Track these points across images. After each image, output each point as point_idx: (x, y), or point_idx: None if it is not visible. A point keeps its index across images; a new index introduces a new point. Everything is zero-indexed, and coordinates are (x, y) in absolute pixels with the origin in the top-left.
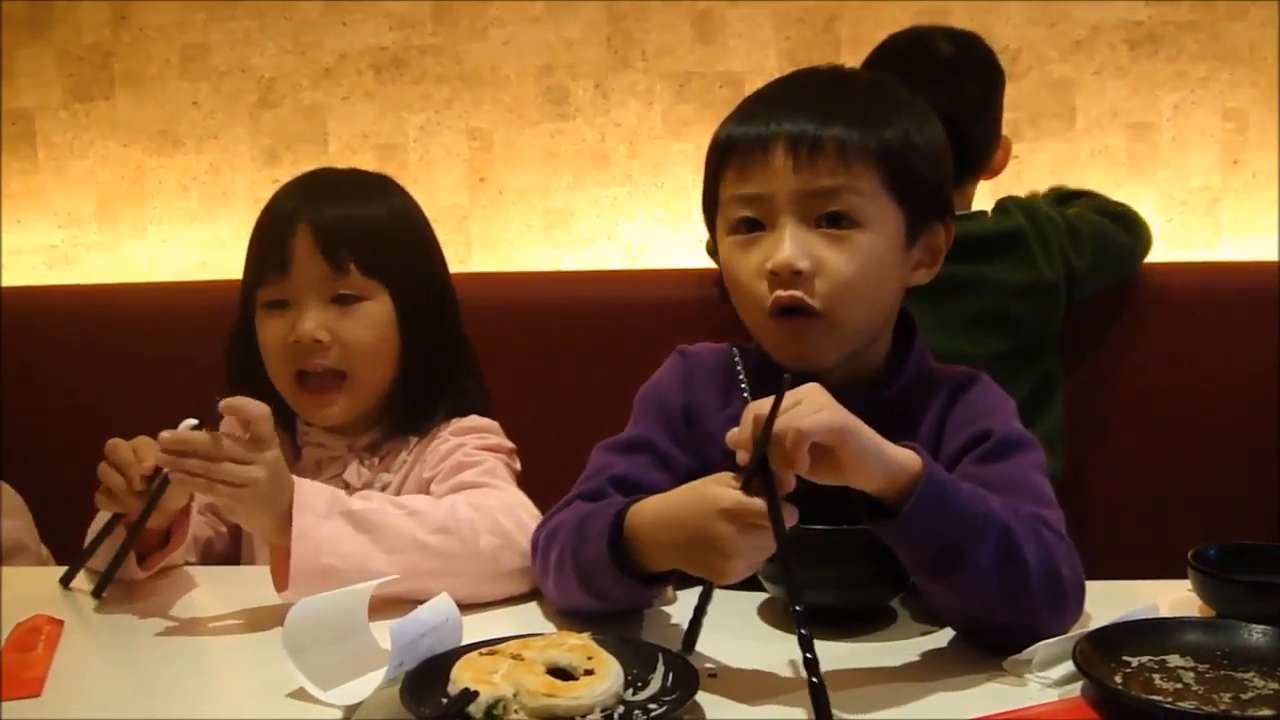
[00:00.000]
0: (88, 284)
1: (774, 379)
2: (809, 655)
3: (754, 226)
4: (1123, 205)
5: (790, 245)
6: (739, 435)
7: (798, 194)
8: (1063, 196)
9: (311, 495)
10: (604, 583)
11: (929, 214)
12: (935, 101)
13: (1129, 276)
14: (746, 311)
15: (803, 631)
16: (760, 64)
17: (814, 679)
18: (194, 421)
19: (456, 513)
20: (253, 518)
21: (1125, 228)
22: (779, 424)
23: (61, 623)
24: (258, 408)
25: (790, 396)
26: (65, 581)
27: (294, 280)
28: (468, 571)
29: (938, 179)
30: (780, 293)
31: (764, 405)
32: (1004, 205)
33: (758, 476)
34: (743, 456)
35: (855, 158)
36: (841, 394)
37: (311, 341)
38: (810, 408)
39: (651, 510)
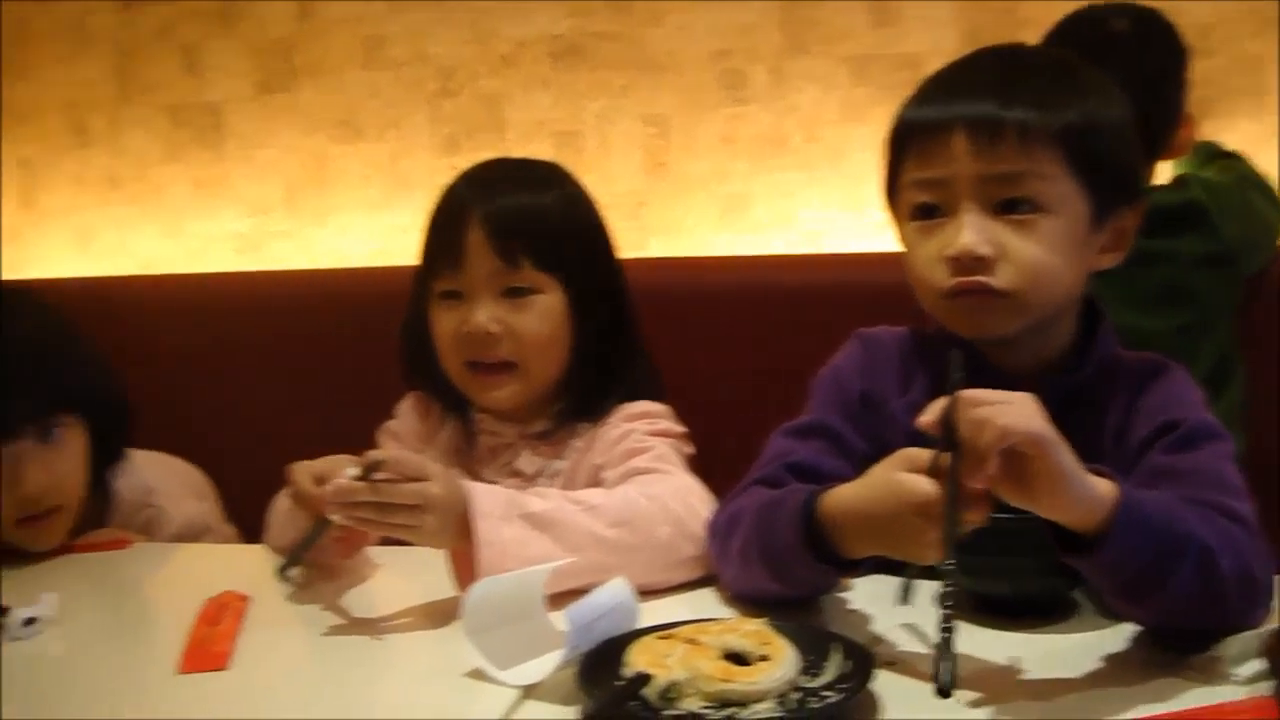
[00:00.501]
0: (274, 270)
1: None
2: (947, 611)
3: (933, 212)
4: (1266, 179)
5: (970, 231)
6: (929, 419)
7: (978, 179)
8: (1211, 154)
9: (488, 500)
10: (797, 570)
11: (1116, 197)
12: (1114, 80)
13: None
14: (925, 295)
15: (947, 597)
16: (939, 45)
17: (945, 632)
18: (355, 471)
19: (632, 504)
20: (432, 540)
21: (1272, 202)
22: (980, 413)
23: (248, 598)
24: (414, 463)
25: (1000, 395)
26: (282, 572)
27: (467, 273)
28: (646, 562)
29: (1126, 160)
30: (961, 279)
31: (974, 395)
32: (1182, 179)
33: (943, 455)
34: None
35: (1037, 140)
36: (1025, 379)
37: (484, 334)
38: (1018, 410)
39: (844, 500)
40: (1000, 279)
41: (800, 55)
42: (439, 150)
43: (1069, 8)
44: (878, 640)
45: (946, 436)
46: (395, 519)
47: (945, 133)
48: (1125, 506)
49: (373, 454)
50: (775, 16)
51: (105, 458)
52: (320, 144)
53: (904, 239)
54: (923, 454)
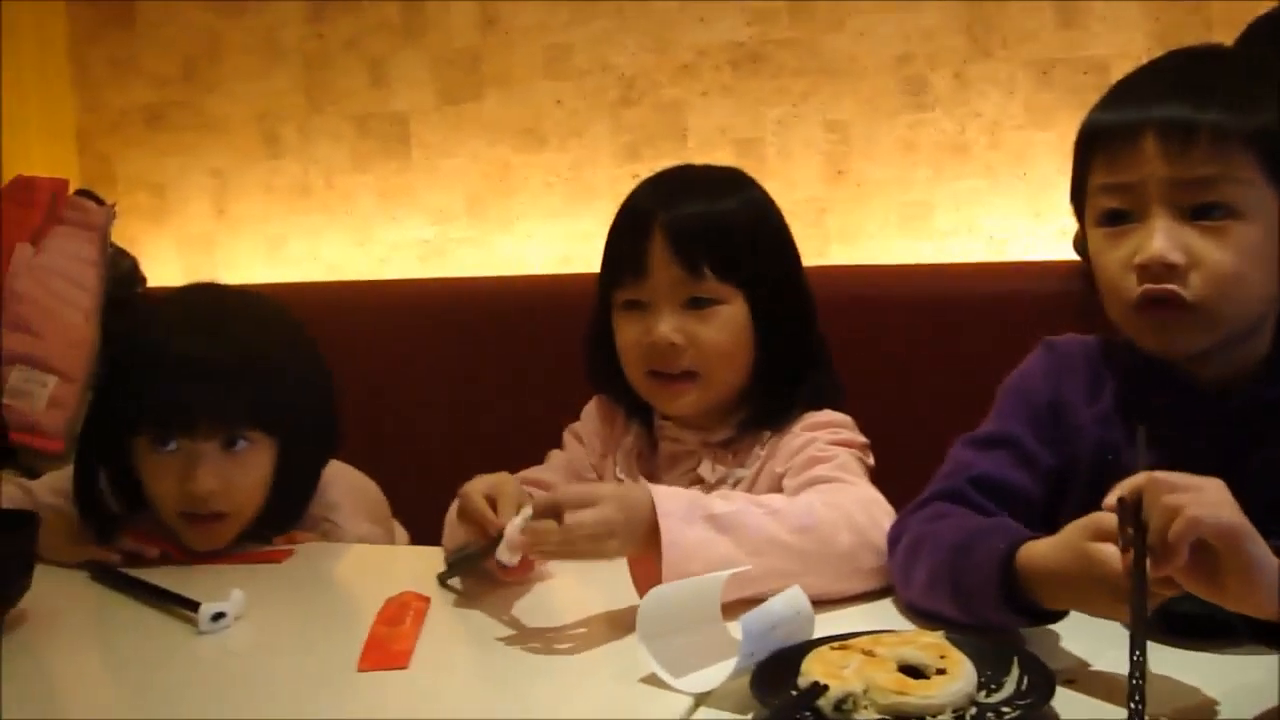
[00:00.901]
0: (458, 276)
1: (1146, 375)
2: (1136, 685)
3: (1122, 218)
4: None
5: (1161, 237)
6: (1114, 499)
7: (1169, 183)
8: None
9: (671, 501)
10: (991, 616)
11: None
12: None
13: None
14: (1112, 305)
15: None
16: (1126, 48)
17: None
18: (529, 512)
19: (815, 511)
20: (624, 550)
21: None
22: (1170, 501)
23: (428, 600)
24: (583, 494)
25: (1191, 481)
26: (442, 580)
27: (650, 283)
28: (826, 570)
29: None
30: (1150, 286)
31: (1165, 480)
32: None
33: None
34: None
35: (1232, 143)
36: (1219, 392)
37: (667, 345)
38: (1209, 498)
39: (1040, 558)
40: (1191, 289)
41: (983, 59)
42: (620, 158)
43: (1261, 7)
44: (1060, 658)
45: (1134, 517)
46: (582, 549)
47: (1135, 136)
48: None
49: (543, 498)
50: (958, 20)
51: (296, 480)
52: (503, 153)
53: (1091, 246)
54: (1111, 520)
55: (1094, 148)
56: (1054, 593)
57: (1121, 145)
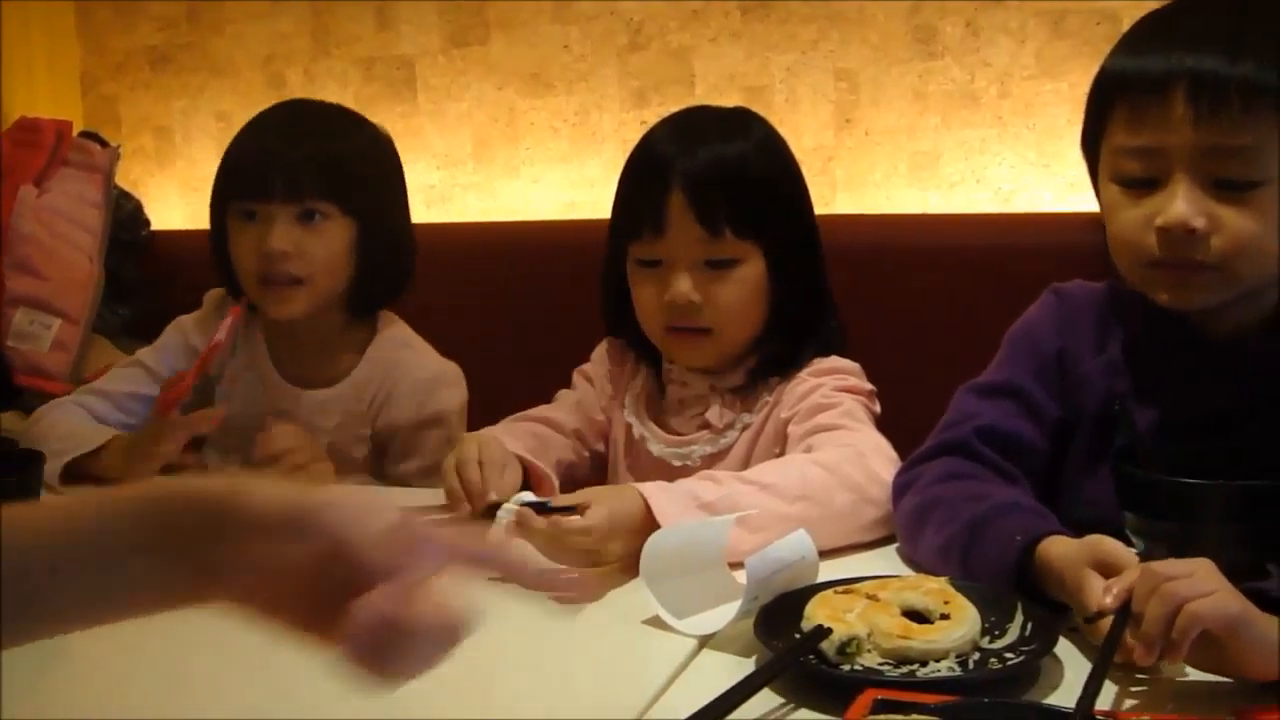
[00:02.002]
0: (464, 222)
1: (1154, 325)
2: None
3: (1144, 184)
4: None
5: (1184, 202)
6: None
7: (1196, 149)
8: None
9: (665, 502)
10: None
11: None
12: None
13: None
14: (1123, 259)
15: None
16: None
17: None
18: (527, 495)
19: (808, 476)
20: (621, 552)
21: None
22: (1167, 589)
23: None
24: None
25: (1179, 565)
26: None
27: (669, 241)
28: (829, 531)
29: None
30: (1169, 253)
31: (1158, 571)
32: None
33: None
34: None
35: (1263, 107)
36: (1226, 346)
37: (686, 303)
38: (1204, 586)
39: (1054, 558)
40: (1211, 253)
41: (995, 8)
42: (627, 104)
43: None
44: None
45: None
46: (574, 558)
47: (1163, 93)
48: None
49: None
50: None
51: (375, 261)
52: (510, 97)
53: (1105, 198)
54: (1119, 555)
55: (1115, 97)
56: (1060, 592)
57: (1148, 101)
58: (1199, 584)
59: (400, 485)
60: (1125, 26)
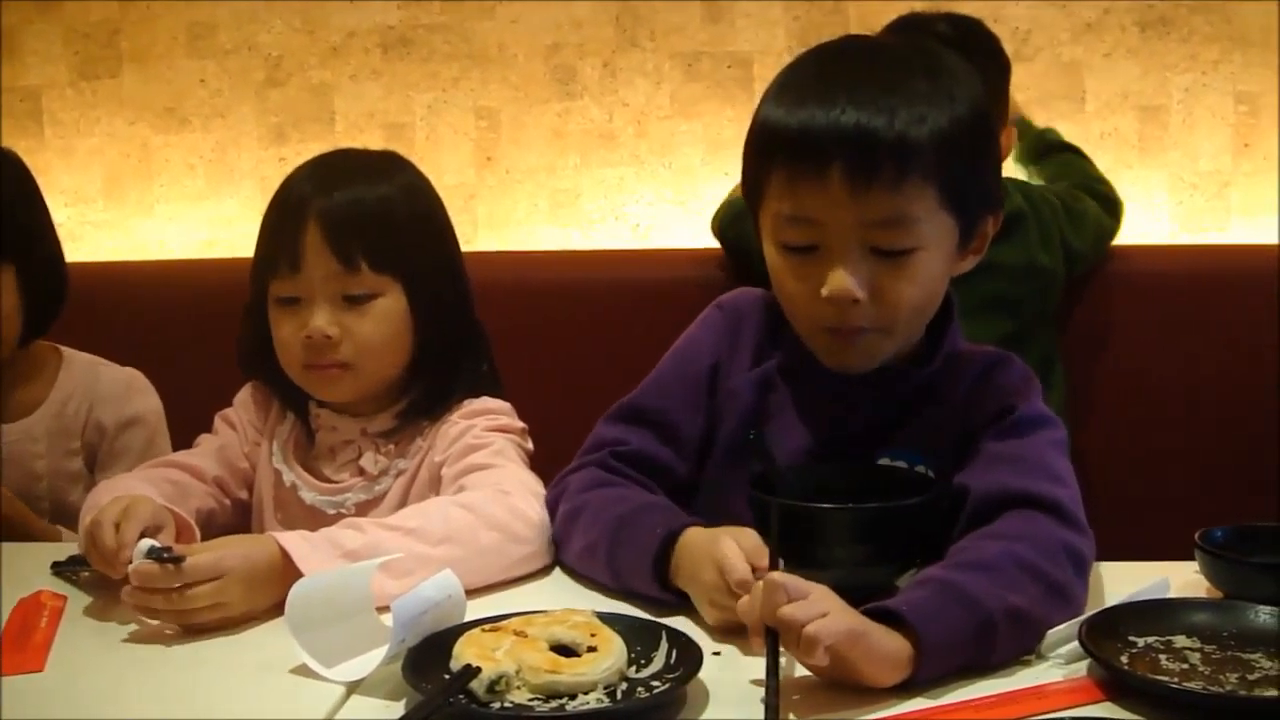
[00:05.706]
0: (94, 261)
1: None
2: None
3: (805, 250)
4: (1105, 183)
5: (845, 274)
6: (748, 610)
7: (855, 224)
8: (1048, 147)
9: (307, 550)
10: (640, 589)
11: (980, 210)
12: None
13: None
14: (801, 327)
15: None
16: (769, 44)
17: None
18: (152, 543)
19: (451, 518)
20: (252, 604)
21: (1110, 211)
22: (789, 611)
23: (65, 599)
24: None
25: (798, 586)
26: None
27: (305, 277)
28: (475, 570)
29: (989, 172)
30: (834, 322)
31: (777, 587)
32: (1004, 186)
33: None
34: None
35: (914, 177)
36: (880, 374)
37: (323, 339)
38: (818, 608)
39: (689, 545)
40: (873, 319)
41: (631, 50)
42: (266, 141)
43: (897, 11)
44: (706, 633)
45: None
46: (202, 619)
47: (820, 166)
48: (924, 649)
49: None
50: (608, 11)
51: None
52: (143, 133)
53: (771, 260)
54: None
55: (775, 155)
56: (685, 575)
57: (806, 170)
58: (813, 606)
59: None
60: (756, 71)
